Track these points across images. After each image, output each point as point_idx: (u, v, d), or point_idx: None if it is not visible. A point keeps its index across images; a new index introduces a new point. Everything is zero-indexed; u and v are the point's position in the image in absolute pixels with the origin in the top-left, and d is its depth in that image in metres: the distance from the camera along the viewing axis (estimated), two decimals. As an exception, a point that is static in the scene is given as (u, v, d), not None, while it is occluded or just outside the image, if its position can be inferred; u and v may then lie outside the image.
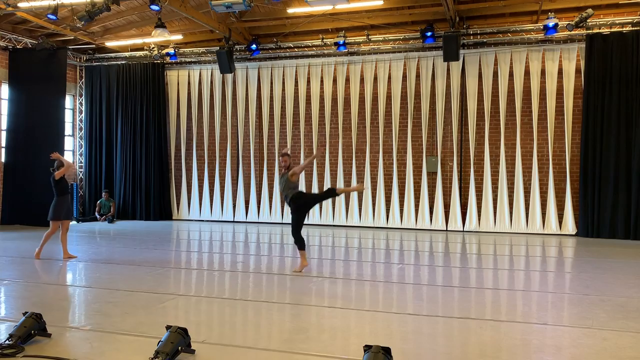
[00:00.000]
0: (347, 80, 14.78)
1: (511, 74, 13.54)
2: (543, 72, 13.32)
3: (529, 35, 13.10)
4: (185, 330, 4.48)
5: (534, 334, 5.20)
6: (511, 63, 13.50)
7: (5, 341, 4.58)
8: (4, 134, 14.43)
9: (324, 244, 11.80)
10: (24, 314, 4.86)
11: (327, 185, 14.80)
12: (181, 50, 15.59)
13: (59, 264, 8.94)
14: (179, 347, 4.36)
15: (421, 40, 13.39)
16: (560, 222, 13.18)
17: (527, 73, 13.44)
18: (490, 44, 13.59)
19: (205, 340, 4.87)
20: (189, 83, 16.29)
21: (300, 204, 8.10)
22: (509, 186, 13.58)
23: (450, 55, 12.95)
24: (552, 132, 13.26)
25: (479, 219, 13.70)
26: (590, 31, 12.54)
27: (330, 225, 14.69)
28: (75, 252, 9.47)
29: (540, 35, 12.90)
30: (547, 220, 13.23)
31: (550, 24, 12.10)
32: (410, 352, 4.70)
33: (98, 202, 15.99)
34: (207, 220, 15.86)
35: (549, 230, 13.14)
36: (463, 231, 13.67)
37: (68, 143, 16.28)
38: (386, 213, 14.43)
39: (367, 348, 4.06)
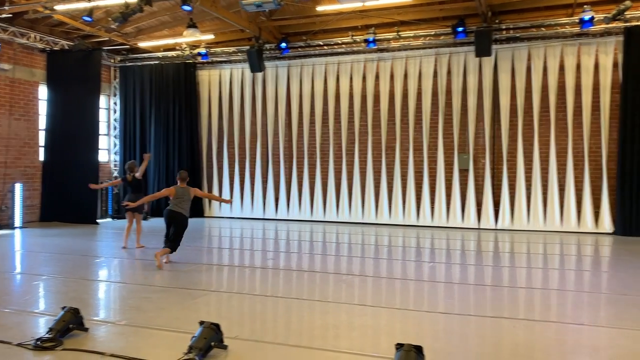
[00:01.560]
0: (377, 77, 14.70)
1: (545, 69, 13.25)
2: (578, 67, 12.99)
3: (563, 30, 12.77)
4: (217, 326, 4.55)
5: (569, 334, 5.10)
6: (545, 58, 13.21)
7: (45, 335, 4.73)
8: (43, 133, 14.83)
9: (353, 242, 11.78)
10: (63, 308, 5.01)
11: (356, 182, 14.76)
12: (212, 49, 15.75)
13: (95, 261, 9.17)
14: (212, 343, 4.44)
15: (452, 36, 13.21)
16: (596, 220, 12.84)
17: (561, 68, 13.13)
18: (523, 38, 13.31)
19: (238, 336, 4.93)
20: (220, 82, 16.46)
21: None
22: (542, 183, 13.30)
23: (483, 51, 12.75)
24: (587, 128, 12.93)
25: (512, 217, 13.46)
26: (628, 24, 12.16)
27: (360, 223, 14.65)
28: (110, 249, 9.70)
29: (576, 29, 12.56)
30: (582, 218, 12.91)
31: (586, 17, 11.78)
32: (441, 350, 4.66)
33: (132, 199, 16.29)
34: (238, 218, 16.01)
35: (585, 229, 12.82)
36: (496, 229, 13.46)
37: (103, 142, 16.64)
38: (417, 211, 14.30)
39: (399, 346, 4.05)
